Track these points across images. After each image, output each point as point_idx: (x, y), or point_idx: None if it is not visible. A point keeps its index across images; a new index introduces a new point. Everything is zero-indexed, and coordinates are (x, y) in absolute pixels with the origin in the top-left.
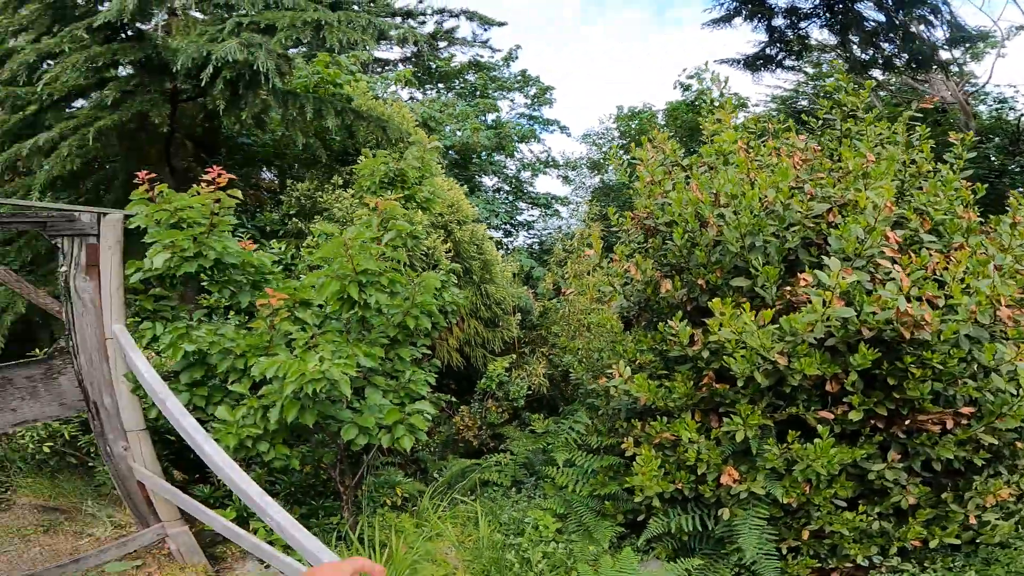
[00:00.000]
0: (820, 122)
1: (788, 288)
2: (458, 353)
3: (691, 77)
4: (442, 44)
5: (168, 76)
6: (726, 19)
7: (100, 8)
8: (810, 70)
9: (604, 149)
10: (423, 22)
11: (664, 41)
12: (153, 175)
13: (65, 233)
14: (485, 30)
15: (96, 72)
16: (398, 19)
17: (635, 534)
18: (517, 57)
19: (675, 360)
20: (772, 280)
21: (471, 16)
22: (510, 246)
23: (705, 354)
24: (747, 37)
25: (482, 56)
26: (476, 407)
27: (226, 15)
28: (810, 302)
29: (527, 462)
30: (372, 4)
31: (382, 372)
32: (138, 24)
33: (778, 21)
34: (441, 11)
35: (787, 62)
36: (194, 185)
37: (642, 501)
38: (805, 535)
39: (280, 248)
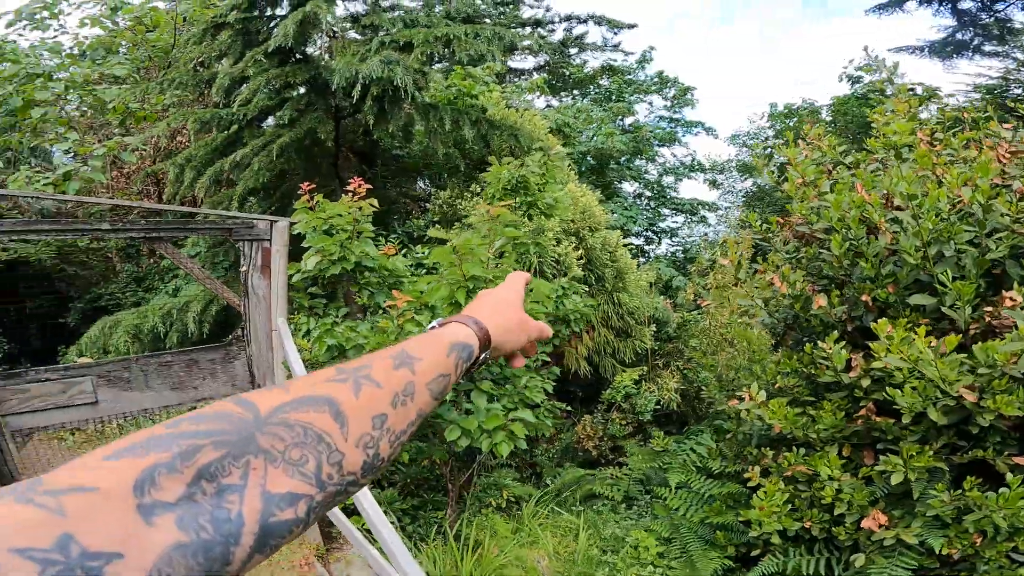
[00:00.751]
0: None
1: (989, 309)
2: (586, 361)
3: (860, 68)
4: (573, 51)
5: (330, 94)
6: (896, 3)
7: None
8: (1021, 55)
9: (756, 151)
10: (552, 30)
11: (822, 33)
12: (312, 186)
13: (246, 238)
14: (615, 33)
15: (277, 93)
16: (527, 29)
17: (745, 569)
18: (652, 59)
19: (826, 386)
20: (966, 298)
21: (599, 21)
22: (652, 254)
23: (865, 382)
24: (928, 22)
25: (615, 60)
26: (599, 417)
27: (373, 35)
28: (1016, 327)
29: (643, 478)
30: (502, 16)
31: (493, 377)
32: (304, 48)
33: (966, 3)
34: (568, 18)
35: (987, 47)
36: (343, 195)
37: (760, 536)
38: None
39: (424, 252)
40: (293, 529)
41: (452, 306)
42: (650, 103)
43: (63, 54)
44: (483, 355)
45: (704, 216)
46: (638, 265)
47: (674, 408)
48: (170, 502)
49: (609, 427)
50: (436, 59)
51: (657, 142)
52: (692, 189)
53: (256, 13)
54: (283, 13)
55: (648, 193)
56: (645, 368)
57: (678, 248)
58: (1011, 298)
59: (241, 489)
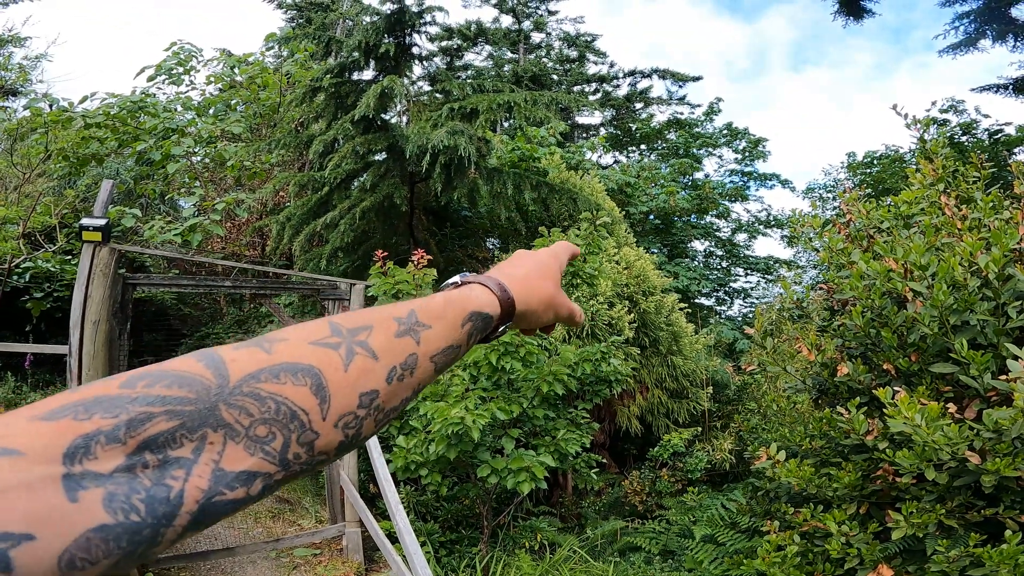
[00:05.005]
0: None
1: (1003, 377)
2: (639, 421)
3: (945, 110)
4: (639, 105)
5: (405, 161)
6: (968, 43)
7: (358, 102)
8: None
9: (793, 218)
10: (617, 86)
11: (899, 77)
12: (386, 253)
13: (330, 297)
14: (680, 87)
15: (362, 158)
16: (592, 85)
17: None
18: (720, 110)
19: (851, 449)
20: (982, 367)
21: (663, 75)
22: (723, 315)
23: (882, 444)
24: (1006, 59)
25: (681, 113)
26: (646, 474)
27: (445, 99)
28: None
29: (686, 532)
30: (568, 73)
31: (533, 428)
32: (383, 116)
33: None
34: (633, 72)
35: None
36: (409, 263)
37: None
38: None
39: None
40: (240, 507)
41: (487, 365)
42: (720, 156)
43: (193, 109)
44: (501, 327)
45: (782, 275)
46: (696, 329)
47: (727, 468)
48: (103, 473)
49: (657, 484)
50: (502, 120)
51: (729, 198)
52: (770, 247)
53: (346, 77)
54: (369, 77)
55: (719, 252)
56: (699, 429)
57: (751, 309)
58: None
59: (190, 464)
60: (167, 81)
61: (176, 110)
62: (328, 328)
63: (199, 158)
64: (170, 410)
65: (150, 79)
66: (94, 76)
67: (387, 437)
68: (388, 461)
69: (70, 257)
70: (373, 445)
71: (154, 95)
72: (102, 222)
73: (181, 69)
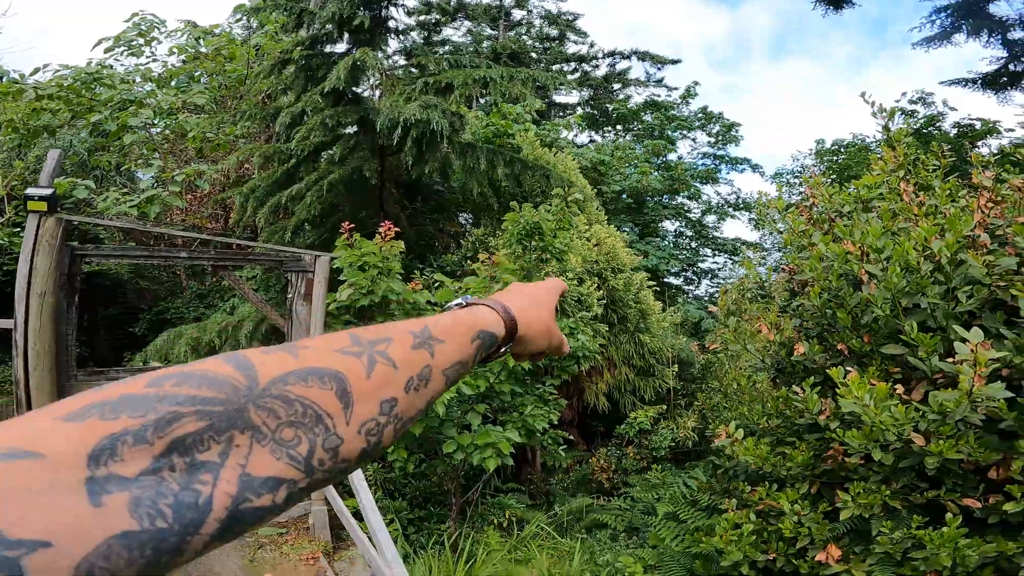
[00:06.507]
0: None
1: (950, 360)
2: (606, 398)
3: (914, 102)
4: (617, 86)
5: (376, 134)
6: (942, 37)
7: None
8: None
9: (759, 201)
10: (596, 66)
11: (873, 68)
12: (353, 226)
13: (293, 269)
14: (658, 69)
15: (331, 131)
16: (572, 64)
17: None
18: (696, 94)
19: (805, 428)
20: (930, 349)
21: (642, 56)
22: (691, 294)
23: (834, 424)
24: (979, 54)
25: (658, 95)
26: (613, 451)
27: (420, 74)
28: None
29: (650, 509)
30: (547, 52)
31: (501, 405)
32: (354, 88)
33: (1017, 33)
34: (612, 53)
35: None
36: (376, 236)
37: (731, 566)
38: None
39: (456, 287)
40: (266, 516)
41: None
42: (694, 139)
43: (153, 81)
44: (504, 348)
45: (748, 257)
46: (664, 307)
47: (690, 446)
48: (128, 477)
49: (623, 461)
50: (478, 97)
51: (700, 180)
52: (738, 229)
53: (318, 49)
54: (341, 51)
55: (689, 232)
56: (664, 406)
57: (717, 290)
58: (960, 352)
59: (217, 468)
60: (126, 53)
61: (135, 81)
62: (349, 338)
63: (158, 129)
64: (200, 410)
65: (107, 51)
66: (60, 56)
67: None
68: None
69: (19, 230)
70: None
71: (111, 66)
72: (48, 191)
73: (141, 40)
